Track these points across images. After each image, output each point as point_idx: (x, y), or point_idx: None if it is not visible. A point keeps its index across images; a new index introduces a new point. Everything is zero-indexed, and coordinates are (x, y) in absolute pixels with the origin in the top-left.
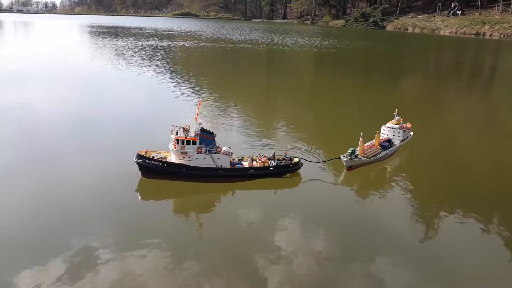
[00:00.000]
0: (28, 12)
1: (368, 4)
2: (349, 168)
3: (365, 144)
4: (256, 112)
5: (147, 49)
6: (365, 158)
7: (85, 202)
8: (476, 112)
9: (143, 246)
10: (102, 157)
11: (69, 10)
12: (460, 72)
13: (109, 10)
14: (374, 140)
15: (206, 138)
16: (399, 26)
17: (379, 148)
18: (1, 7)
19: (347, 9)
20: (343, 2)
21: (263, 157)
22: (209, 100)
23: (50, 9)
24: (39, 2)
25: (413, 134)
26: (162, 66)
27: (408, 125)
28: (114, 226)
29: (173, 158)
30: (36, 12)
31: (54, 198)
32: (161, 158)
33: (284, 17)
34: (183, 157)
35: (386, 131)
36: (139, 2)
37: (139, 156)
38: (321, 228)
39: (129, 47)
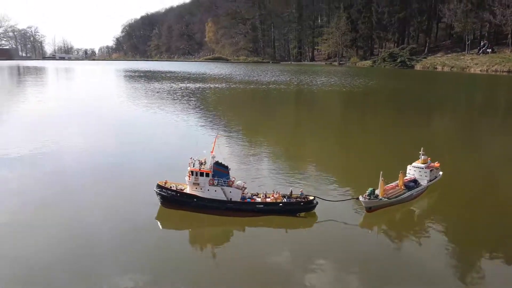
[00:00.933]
0: (69, 59)
1: (396, 44)
2: (369, 209)
3: (390, 184)
4: (283, 147)
5: (182, 90)
6: (386, 199)
7: (108, 230)
8: None
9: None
10: (133, 189)
11: (106, 56)
12: (494, 108)
13: (144, 55)
14: (398, 181)
15: (219, 171)
16: (428, 65)
17: (404, 189)
18: (45, 55)
19: (375, 50)
20: (370, 43)
21: (277, 194)
22: (226, 136)
23: (89, 56)
24: (79, 49)
25: (442, 174)
26: (195, 106)
27: (436, 164)
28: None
29: (188, 189)
30: (77, 59)
31: (82, 228)
32: (178, 188)
33: (312, 59)
34: (196, 188)
35: (412, 171)
36: (173, 48)
37: (158, 186)
38: (340, 268)
39: (165, 89)
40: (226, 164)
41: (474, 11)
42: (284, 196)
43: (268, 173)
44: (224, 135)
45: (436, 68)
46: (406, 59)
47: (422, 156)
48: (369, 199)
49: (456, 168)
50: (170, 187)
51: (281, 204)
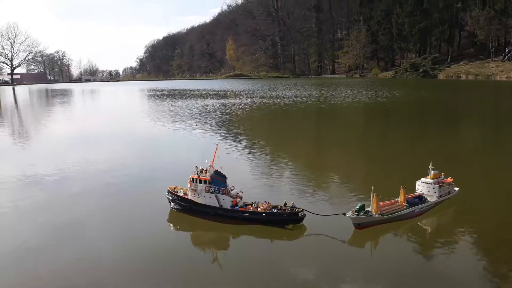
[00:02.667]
0: (95, 80)
1: (417, 54)
2: (358, 226)
3: (393, 200)
4: (302, 159)
5: (207, 106)
6: (378, 215)
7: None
8: None
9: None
10: (154, 197)
11: (130, 77)
12: None
13: (167, 75)
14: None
15: (217, 180)
16: (451, 74)
17: (405, 205)
18: (71, 77)
19: (396, 61)
20: (392, 54)
21: (266, 204)
22: (248, 147)
23: (114, 77)
24: (104, 71)
25: (458, 190)
26: (220, 121)
27: (449, 179)
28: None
29: (189, 194)
30: (102, 80)
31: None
32: (185, 193)
33: (332, 72)
34: (194, 194)
35: (420, 187)
36: (194, 67)
37: (168, 191)
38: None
39: (190, 106)
40: (224, 174)
41: (497, 18)
42: (275, 207)
43: (278, 183)
44: (245, 146)
45: (460, 77)
46: (429, 69)
47: (432, 171)
48: (357, 215)
49: (478, 184)
50: (177, 192)
51: (264, 214)
